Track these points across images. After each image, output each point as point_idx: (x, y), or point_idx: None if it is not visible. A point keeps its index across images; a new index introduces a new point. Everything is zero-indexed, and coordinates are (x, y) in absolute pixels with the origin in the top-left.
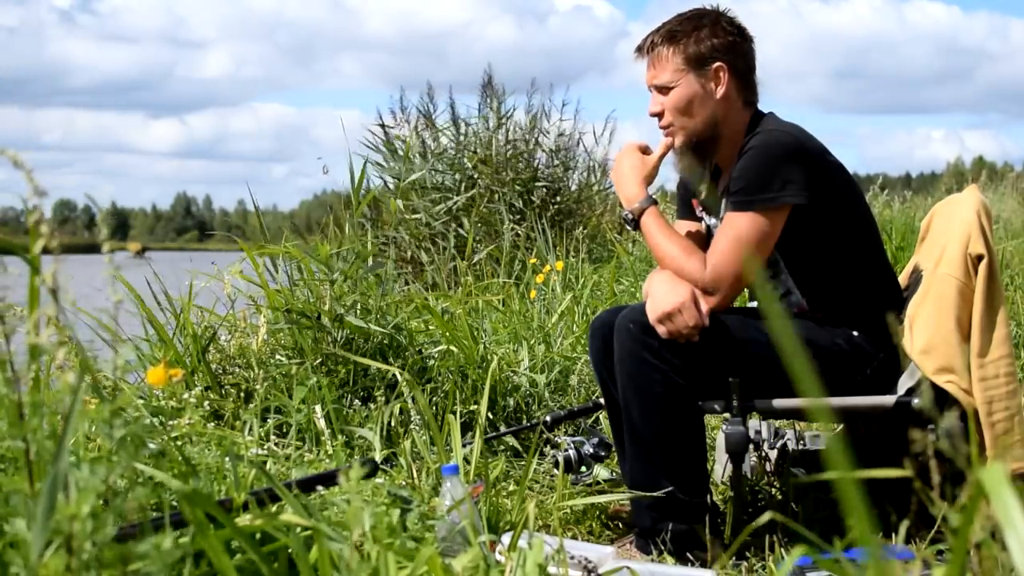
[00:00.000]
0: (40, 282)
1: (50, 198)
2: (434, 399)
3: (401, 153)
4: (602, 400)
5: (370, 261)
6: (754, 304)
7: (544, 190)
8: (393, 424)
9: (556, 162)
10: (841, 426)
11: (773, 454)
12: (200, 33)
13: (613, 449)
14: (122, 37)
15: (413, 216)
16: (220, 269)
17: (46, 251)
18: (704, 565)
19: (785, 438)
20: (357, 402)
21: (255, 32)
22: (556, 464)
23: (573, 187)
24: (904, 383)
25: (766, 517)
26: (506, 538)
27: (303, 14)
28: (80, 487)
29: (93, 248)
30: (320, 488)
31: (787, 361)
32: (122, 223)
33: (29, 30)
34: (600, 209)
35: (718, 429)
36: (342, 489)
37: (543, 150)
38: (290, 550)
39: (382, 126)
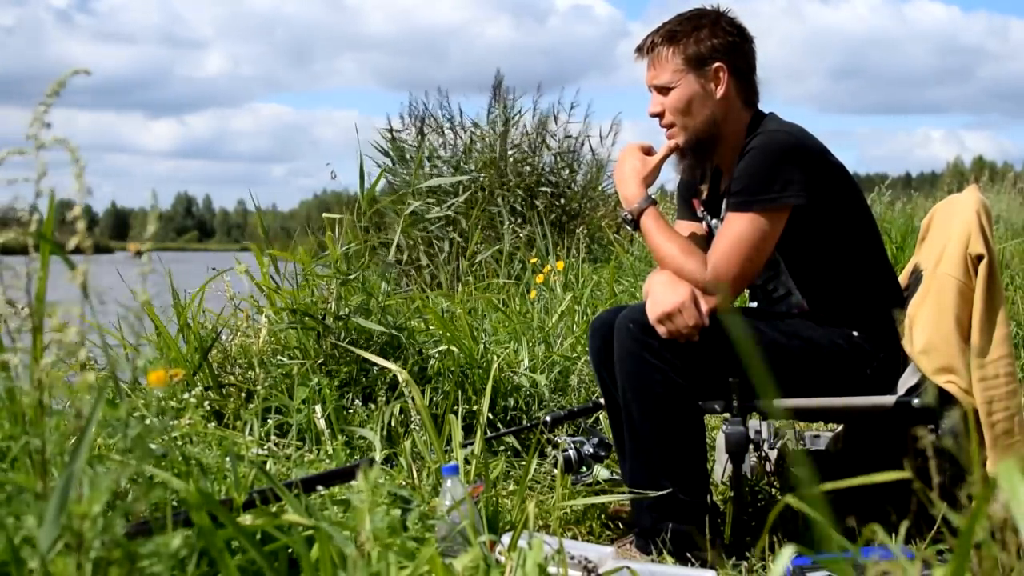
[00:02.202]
0: (73, 279)
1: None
2: (434, 399)
3: (408, 157)
4: (602, 400)
5: (370, 262)
6: (754, 304)
7: (548, 193)
8: (393, 424)
9: (562, 164)
10: (841, 426)
11: (773, 454)
12: (198, 33)
13: (613, 449)
14: (120, 37)
15: (424, 217)
16: (223, 269)
17: (78, 251)
18: (704, 565)
19: (785, 438)
20: (358, 402)
21: (253, 32)
22: (556, 464)
23: (577, 188)
24: (904, 383)
25: (784, 502)
26: (506, 538)
27: (301, 14)
28: (93, 486)
29: (95, 248)
30: (320, 488)
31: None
32: (122, 223)
33: (27, 30)
34: (602, 211)
35: (718, 429)
36: (344, 489)
37: (550, 153)
38: (290, 550)
39: (390, 130)
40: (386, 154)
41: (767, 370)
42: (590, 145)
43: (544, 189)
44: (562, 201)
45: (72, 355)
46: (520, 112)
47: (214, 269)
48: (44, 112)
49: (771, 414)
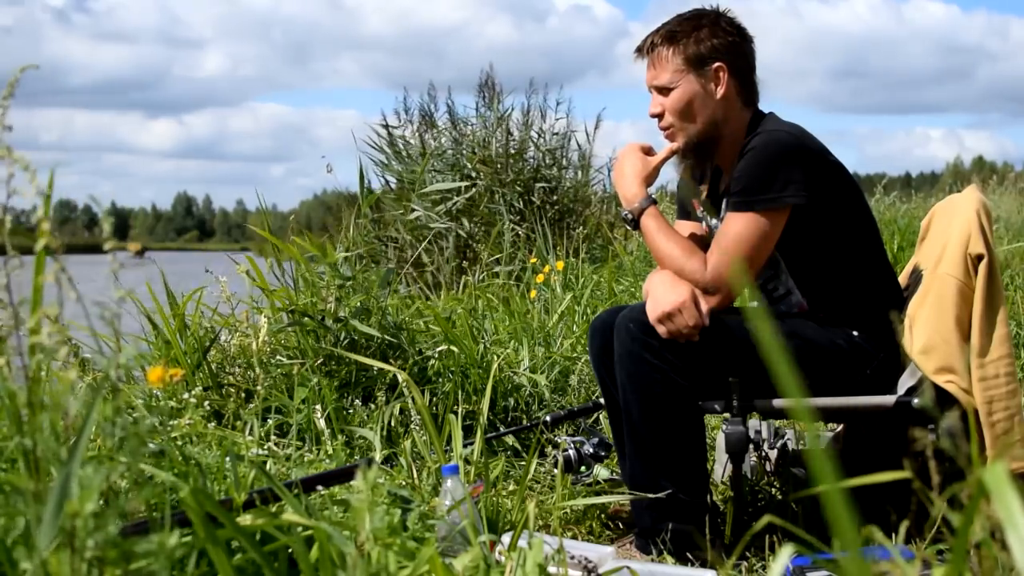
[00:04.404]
0: (52, 276)
1: (51, 198)
2: (434, 399)
3: (404, 153)
4: (602, 400)
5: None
6: (754, 304)
7: (543, 190)
8: (393, 424)
9: (551, 161)
10: (841, 426)
11: (773, 454)
12: (197, 32)
13: (613, 449)
14: (118, 36)
15: (418, 219)
16: (222, 271)
17: (49, 250)
18: (704, 565)
19: (785, 438)
20: (357, 402)
21: (252, 31)
22: (556, 464)
23: (567, 185)
24: (904, 383)
25: (764, 521)
26: (506, 538)
27: (300, 13)
28: (83, 485)
29: (94, 248)
30: (320, 488)
31: (771, 363)
32: (122, 223)
33: (25, 29)
34: (597, 209)
35: (718, 429)
36: (346, 489)
37: (539, 149)
38: (290, 550)
39: (386, 127)
40: (381, 151)
41: (766, 370)
42: (576, 142)
43: (541, 185)
44: (555, 198)
45: (52, 354)
46: (511, 108)
47: (209, 271)
48: (2, 115)
49: (771, 414)
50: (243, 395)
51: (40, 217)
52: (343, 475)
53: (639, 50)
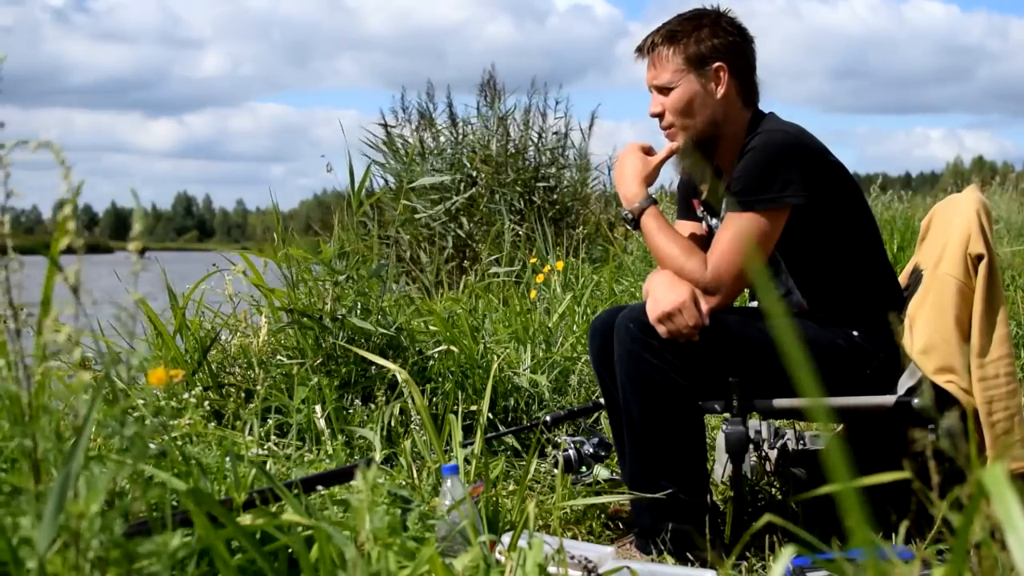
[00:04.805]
0: (63, 280)
1: (49, 198)
2: (434, 399)
3: (402, 152)
4: (602, 400)
5: (374, 264)
6: (754, 304)
7: (543, 189)
8: (393, 424)
9: (550, 160)
10: (841, 426)
11: (773, 454)
12: (197, 32)
13: (613, 449)
14: (117, 36)
15: (415, 216)
16: (223, 270)
17: (68, 250)
18: (704, 565)
19: (785, 438)
20: (357, 402)
21: (252, 31)
22: (556, 464)
23: (565, 184)
24: (904, 383)
25: (764, 520)
26: (506, 538)
27: (300, 13)
28: (89, 486)
29: (94, 248)
30: (320, 488)
31: (787, 361)
32: (122, 223)
33: (24, 29)
34: (596, 207)
35: (718, 429)
36: (346, 489)
37: (538, 149)
38: (290, 550)
39: (384, 125)
40: (379, 149)
41: (766, 369)
42: (571, 141)
43: (541, 184)
44: (555, 197)
45: (60, 354)
46: (514, 108)
47: (214, 265)
48: None
49: (771, 414)
50: (243, 395)
51: (66, 215)
52: (343, 475)
53: (639, 50)
